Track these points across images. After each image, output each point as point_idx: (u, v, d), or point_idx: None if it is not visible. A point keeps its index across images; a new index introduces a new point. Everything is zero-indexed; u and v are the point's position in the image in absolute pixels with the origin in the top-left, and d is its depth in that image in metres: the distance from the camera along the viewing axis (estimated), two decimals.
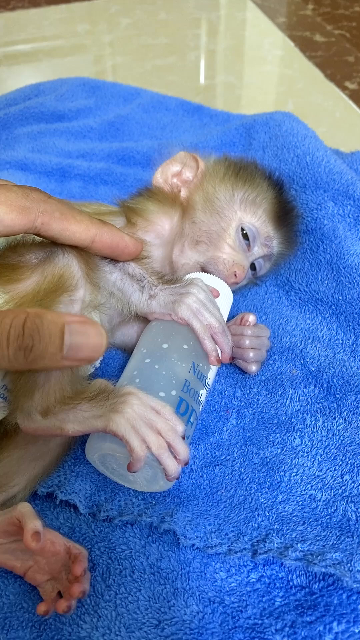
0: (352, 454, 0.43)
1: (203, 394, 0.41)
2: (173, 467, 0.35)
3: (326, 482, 0.41)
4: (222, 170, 0.53)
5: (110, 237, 0.40)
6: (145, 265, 0.45)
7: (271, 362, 0.51)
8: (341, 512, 0.39)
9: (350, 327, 0.53)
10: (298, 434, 0.44)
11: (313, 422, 0.45)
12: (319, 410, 0.46)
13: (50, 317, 0.32)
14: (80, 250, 0.41)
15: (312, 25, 1.26)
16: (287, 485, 0.41)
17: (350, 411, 0.46)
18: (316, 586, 0.36)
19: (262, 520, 0.39)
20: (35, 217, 0.36)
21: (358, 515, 0.39)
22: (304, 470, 0.42)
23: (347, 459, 0.42)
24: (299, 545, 0.37)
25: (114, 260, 0.44)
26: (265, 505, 0.40)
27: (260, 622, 0.35)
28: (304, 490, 0.41)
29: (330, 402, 0.47)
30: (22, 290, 0.38)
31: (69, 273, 0.40)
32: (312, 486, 0.41)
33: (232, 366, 0.51)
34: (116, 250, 0.41)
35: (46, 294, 0.38)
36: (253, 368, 0.49)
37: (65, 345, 0.32)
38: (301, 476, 0.42)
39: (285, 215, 0.54)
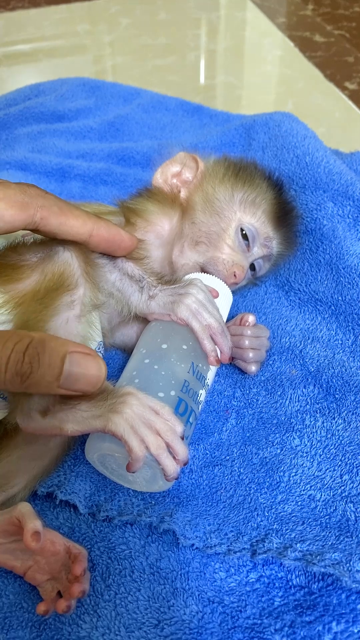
0: (351, 454, 0.43)
1: (202, 394, 0.41)
2: (172, 467, 0.35)
3: (325, 482, 0.41)
4: (222, 170, 0.53)
5: (106, 231, 0.41)
6: (145, 266, 0.45)
7: (271, 362, 0.51)
8: (340, 512, 0.39)
9: (350, 328, 0.53)
10: (297, 434, 0.44)
11: (312, 423, 0.45)
12: (318, 411, 0.46)
13: (54, 345, 0.32)
14: (80, 248, 0.41)
15: (312, 25, 1.26)
16: (286, 486, 0.41)
17: (350, 411, 0.46)
18: (315, 586, 0.36)
19: (262, 521, 0.39)
20: (34, 212, 0.36)
21: (357, 515, 0.39)
22: (303, 471, 0.42)
23: (347, 459, 0.42)
24: (298, 545, 0.37)
25: (112, 258, 0.44)
26: (264, 505, 0.40)
27: (259, 622, 0.35)
28: (303, 490, 0.41)
29: (329, 402, 0.47)
30: (22, 290, 0.38)
31: (69, 271, 0.40)
32: (311, 486, 0.41)
33: (232, 366, 0.51)
34: (113, 244, 0.42)
35: (46, 293, 0.38)
36: (252, 368, 0.49)
37: (63, 375, 0.32)
38: (300, 476, 0.42)
39: (284, 215, 0.54)
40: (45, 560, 0.37)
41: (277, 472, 0.42)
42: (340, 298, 0.54)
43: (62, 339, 0.33)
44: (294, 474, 0.42)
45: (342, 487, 0.41)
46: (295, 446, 0.44)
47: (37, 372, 0.31)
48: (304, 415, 0.46)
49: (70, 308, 0.39)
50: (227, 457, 0.44)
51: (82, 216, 0.39)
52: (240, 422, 0.46)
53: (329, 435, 0.44)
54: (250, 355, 0.48)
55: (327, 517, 0.39)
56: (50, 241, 0.40)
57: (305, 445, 0.44)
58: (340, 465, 0.42)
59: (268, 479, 0.42)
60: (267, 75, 1.12)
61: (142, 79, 1.10)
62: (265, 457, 0.43)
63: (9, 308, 0.38)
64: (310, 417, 0.46)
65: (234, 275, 0.49)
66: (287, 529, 0.38)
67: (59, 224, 0.38)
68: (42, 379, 0.32)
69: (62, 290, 0.39)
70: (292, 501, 0.40)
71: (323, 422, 0.45)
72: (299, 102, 1.01)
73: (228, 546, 0.38)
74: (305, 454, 0.43)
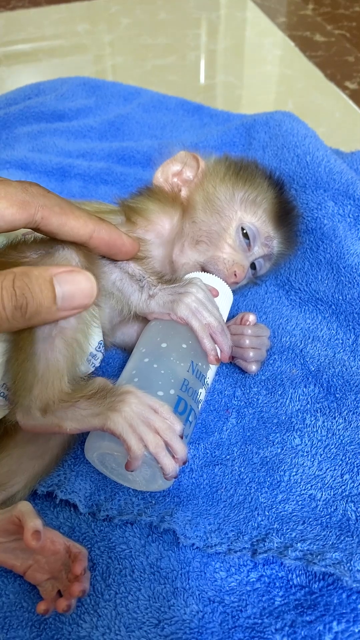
0: (352, 453, 0.43)
1: (202, 393, 0.41)
2: (170, 466, 0.35)
3: (326, 481, 0.41)
4: (223, 169, 0.53)
5: (108, 234, 0.40)
6: (145, 265, 0.45)
7: (271, 361, 0.51)
8: (341, 512, 0.39)
9: (350, 327, 0.53)
10: (298, 433, 0.44)
11: (313, 422, 0.45)
12: (318, 410, 0.46)
13: (37, 272, 0.33)
14: (81, 247, 0.41)
15: (312, 25, 1.26)
16: (287, 485, 0.41)
17: (350, 411, 0.46)
18: (316, 586, 0.36)
19: (262, 520, 0.39)
20: (35, 211, 0.36)
21: (358, 514, 0.39)
22: (303, 470, 0.42)
23: (347, 459, 0.42)
24: (298, 544, 0.37)
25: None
26: (265, 504, 0.40)
27: (260, 621, 0.35)
28: (304, 489, 0.41)
29: (330, 401, 0.47)
30: None
31: None
32: (312, 486, 0.41)
33: (232, 366, 0.51)
34: (113, 248, 0.42)
35: None
36: (253, 367, 0.49)
37: (57, 296, 0.33)
38: (301, 476, 0.42)
39: (285, 215, 0.54)
40: (45, 560, 0.37)
41: (277, 472, 0.42)
42: (340, 297, 0.54)
43: (44, 266, 0.35)
44: (294, 473, 0.42)
45: (343, 487, 0.41)
46: (296, 445, 0.44)
47: (33, 301, 0.33)
48: (305, 414, 0.46)
49: None
50: (228, 457, 0.44)
51: (83, 217, 0.39)
52: (240, 422, 0.46)
53: (329, 435, 0.44)
54: (251, 354, 0.48)
55: (328, 516, 0.39)
56: (51, 239, 0.40)
57: (306, 445, 0.44)
58: (340, 464, 0.42)
59: (268, 479, 0.42)
60: (267, 75, 1.12)
61: (142, 79, 1.10)
62: (266, 457, 0.43)
63: None
64: (310, 416, 0.46)
65: (235, 274, 0.48)
66: (287, 529, 0.38)
67: (60, 224, 0.37)
68: (41, 306, 0.33)
69: None
70: (293, 500, 0.40)
71: (324, 422, 0.45)
72: (299, 102, 1.01)
73: (228, 546, 0.38)
74: (305, 454, 0.43)
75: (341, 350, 0.51)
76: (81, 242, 0.40)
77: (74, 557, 0.37)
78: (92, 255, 0.42)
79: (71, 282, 0.34)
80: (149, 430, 0.34)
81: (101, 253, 0.42)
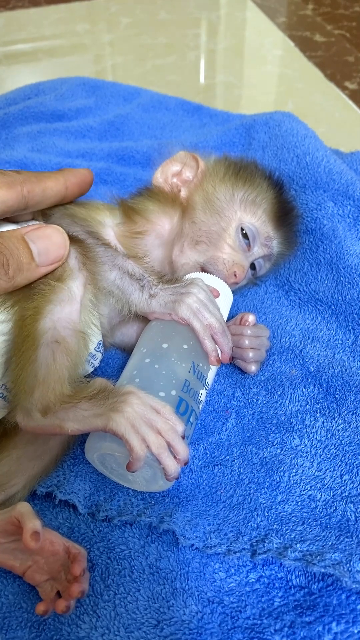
0: (352, 454, 0.43)
1: (203, 394, 0.41)
2: (172, 466, 0.35)
3: (325, 482, 0.41)
4: (222, 170, 0.53)
5: (74, 176, 0.44)
6: (145, 265, 0.45)
7: (270, 362, 0.51)
8: (340, 513, 0.39)
9: (350, 327, 0.53)
10: (297, 434, 0.44)
11: (312, 423, 0.45)
12: (318, 411, 0.46)
13: (8, 233, 0.36)
14: (79, 247, 0.41)
15: (312, 25, 1.26)
16: (286, 486, 0.41)
17: (350, 411, 0.46)
18: (315, 586, 0.36)
19: (262, 521, 0.39)
20: (20, 187, 0.38)
21: (357, 515, 0.39)
22: (303, 471, 0.42)
23: (347, 459, 0.42)
24: (298, 545, 0.37)
25: (112, 256, 0.44)
26: (264, 505, 0.40)
27: (259, 622, 0.35)
28: (303, 490, 0.41)
29: (329, 402, 0.47)
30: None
31: (65, 264, 0.41)
32: (311, 486, 0.41)
33: (232, 366, 0.51)
34: (83, 184, 0.45)
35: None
36: (252, 368, 0.49)
37: (34, 253, 0.36)
38: (300, 476, 0.42)
39: (285, 215, 0.54)
40: (44, 560, 0.37)
41: (277, 472, 0.42)
42: (340, 298, 0.54)
43: (12, 229, 0.37)
44: (294, 474, 0.42)
45: (342, 487, 0.41)
46: (295, 446, 0.44)
47: (12, 258, 0.35)
48: (304, 415, 0.46)
49: (68, 298, 0.40)
50: (227, 457, 0.44)
51: (53, 175, 0.42)
52: (240, 422, 0.46)
53: (329, 435, 0.44)
54: (250, 354, 0.48)
55: (327, 517, 0.39)
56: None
57: (305, 445, 0.44)
58: (340, 465, 0.42)
59: (268, 479, 0.42)
60: (267, 75, 1.12)
61: (142, 79, 1.09)
62: (265, 457, 0.43)
63: (8, 305, 0.38)
64: (310, 417, 0.46)
65: (235, 274, 0.48)
66: (287, 529, 0.38)
67: (43, 190, 0.40)
68: (21, 263, 0.35)
69: (59, 281, 0.39)
70: (292, 501, 0.40)
71: (323, 422, 0.45)
72: (299, 102, 1.01)
73: (228, 546, 0.38)
74: (305, 454, 0.43)
75: (341, 351, 0.51)
76: (62, 196, 0.42)
77: (73, 557, 0.37)
78: (90, 255, 0.42)
79: (42, 237, 0.37)
80: (151, 431, 0.34)
81: (78, 196, 0.45)
